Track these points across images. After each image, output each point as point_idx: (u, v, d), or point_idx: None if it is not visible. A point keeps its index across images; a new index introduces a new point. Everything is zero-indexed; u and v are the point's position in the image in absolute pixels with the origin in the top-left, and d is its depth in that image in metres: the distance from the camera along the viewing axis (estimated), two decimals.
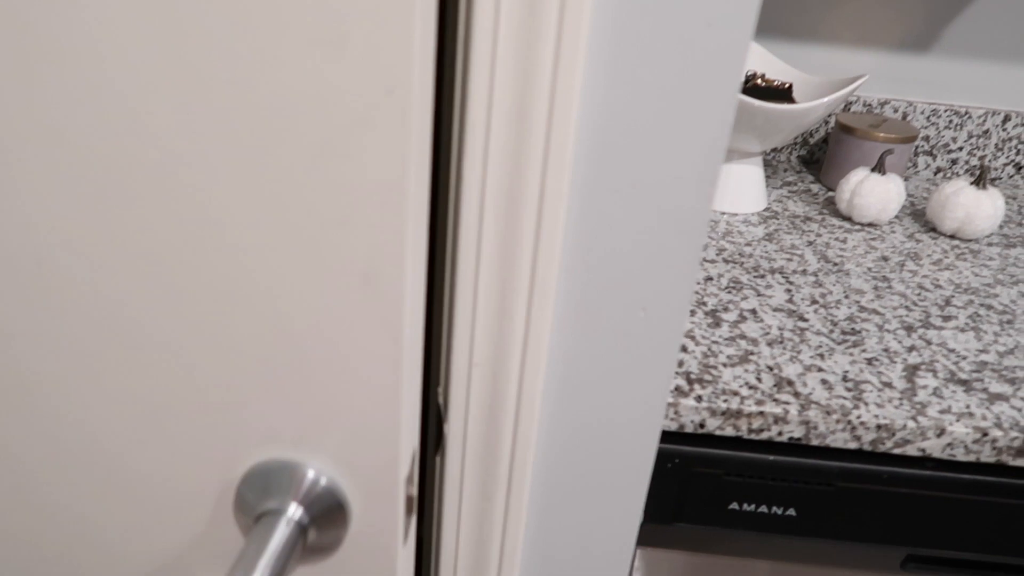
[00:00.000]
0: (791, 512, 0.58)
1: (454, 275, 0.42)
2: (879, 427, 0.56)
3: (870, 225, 0.88)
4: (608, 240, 0.40)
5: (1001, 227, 0.92)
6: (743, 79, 0.89)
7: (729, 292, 0.71)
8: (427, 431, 0.48)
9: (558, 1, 0.33)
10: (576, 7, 0.33)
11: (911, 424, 0.56)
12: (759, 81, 0.86)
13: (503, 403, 0.44)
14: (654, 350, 0.42)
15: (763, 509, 0.58)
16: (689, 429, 0.56)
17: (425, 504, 0.52)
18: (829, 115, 1.04)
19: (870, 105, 1.03)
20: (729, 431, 0.56)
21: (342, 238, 0.34)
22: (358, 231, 0.34)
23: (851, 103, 1.03)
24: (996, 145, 1.05)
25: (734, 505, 0.58)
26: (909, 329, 0.68)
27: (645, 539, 0.61)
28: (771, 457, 0.57)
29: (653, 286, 0.41)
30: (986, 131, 1.04)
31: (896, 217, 0.91)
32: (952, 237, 0.87)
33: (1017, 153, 1.05)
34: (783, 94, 0.86)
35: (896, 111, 1.03)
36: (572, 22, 0.33)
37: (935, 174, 1.07)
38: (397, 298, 0.35)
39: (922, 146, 1.05)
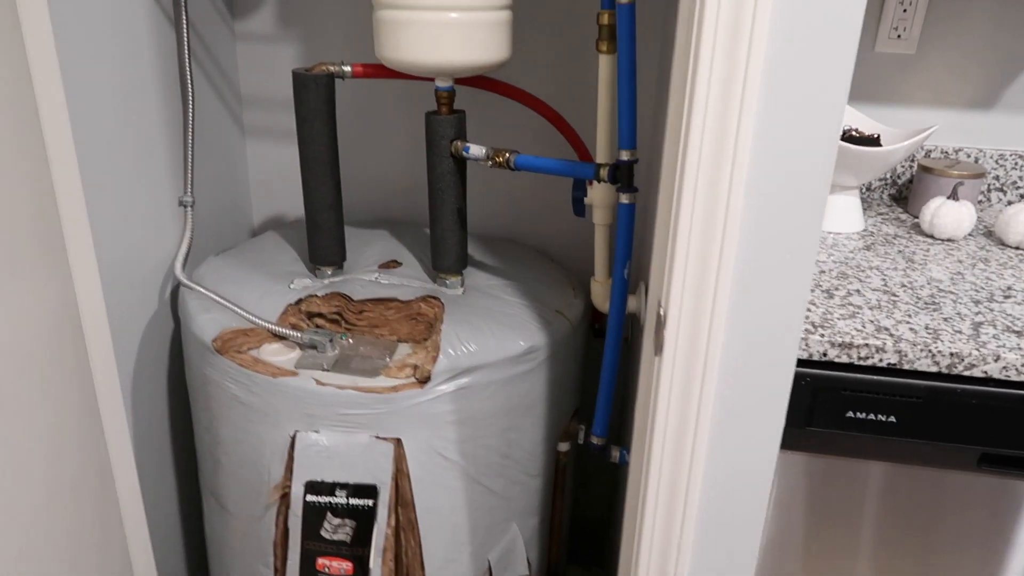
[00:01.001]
0: (892, 419, 0.83)
1: (675, 241, 0.71)
2: (952, 355, 0.81)
3: (948, 240, 1.13)
4: (769, 210, 0.68)
5: None
6: (843, 125, 1.16)
7: (838, 280, 0.97)
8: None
9: (741, 82, 0.63)
10: (750, 96, 0.63)
11: (975, 353, 0.80)
12: (854, 133, 1.14)
13: (702, 315, 0.72)
14: (795, 275, 0.70)
15: (871, 416, 0.83)
16: (816, 357, 0.82)
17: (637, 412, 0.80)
18: (912, 160, 1.30)
19: (946, 152, 1.28)
20: (844, 358, 0.82)
21: None
22: None
23: (930, 151, 1.29)
24: None
25: (850, 413, 0.83)
26: (977, 303, 0.92)
27: (785, 442, 0.87)
28: (875, 377, 0.82)
29: (797, 233, 0.69)
30: None
31: (970, 235, 1.15)
32: (1017, 248, 1.11)
33: None
34: (873, 142, 1.13)
35: (969, 156, 1.28)
36: (750, 93, 0.63)
37: (1007, 206, 1.30)
38: None
39: (994, 184, 1.29)
